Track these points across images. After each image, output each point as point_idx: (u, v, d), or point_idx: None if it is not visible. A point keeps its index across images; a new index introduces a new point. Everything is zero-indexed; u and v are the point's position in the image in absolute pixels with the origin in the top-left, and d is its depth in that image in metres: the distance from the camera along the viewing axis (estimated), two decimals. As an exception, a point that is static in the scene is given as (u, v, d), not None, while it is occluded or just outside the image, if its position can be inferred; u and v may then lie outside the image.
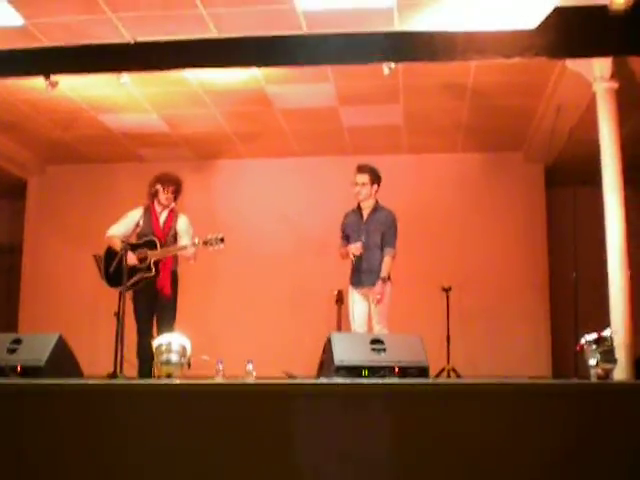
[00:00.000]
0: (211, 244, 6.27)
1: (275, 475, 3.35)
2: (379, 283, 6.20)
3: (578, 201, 8.89)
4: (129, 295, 6.26)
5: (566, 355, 8.40)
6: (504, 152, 9.42)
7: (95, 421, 3.49)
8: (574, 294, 7.29)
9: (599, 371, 4.35)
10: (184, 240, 6.45)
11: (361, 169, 6.42)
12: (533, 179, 9.49)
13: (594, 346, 4.40)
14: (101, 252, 6.45)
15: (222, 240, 6.29)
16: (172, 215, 6.57)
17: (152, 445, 3.39)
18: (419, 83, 7.47)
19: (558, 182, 9.48)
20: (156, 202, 6.54)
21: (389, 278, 6.29)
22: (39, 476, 3.46)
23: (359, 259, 6.37)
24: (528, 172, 9.48)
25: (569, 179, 8.83)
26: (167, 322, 6.27)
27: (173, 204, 6.56)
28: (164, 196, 6.49)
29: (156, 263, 6.32)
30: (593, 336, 4.45)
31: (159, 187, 6.51)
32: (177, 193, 6.57)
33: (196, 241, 6.29)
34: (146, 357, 6.11)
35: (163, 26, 6.22)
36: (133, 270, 6.25)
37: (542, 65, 6.80)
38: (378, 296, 6.18)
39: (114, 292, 6.25)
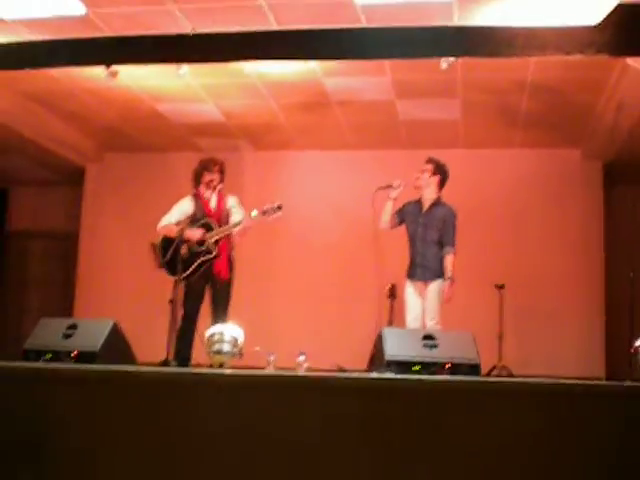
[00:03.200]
0: (269, 213, 6.23)
1: (331, 469, 3.36)
2: (447, 284, 6.20)
3: (637, 200, 8.77)
4: (184, 280, 6.31)
5: (620, 356, 8.28)
6: (562, 149, 9.27)
7: (147, 408, 3.54)
8: (630, 294, 7.17)
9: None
10: (237, 217, 6.45)
11: (428, 160, 6.45)
12: (591, 177, 9.32)
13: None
14: (157, 241, 6.52)
15: (280, 208, 6.23)
16: (221, 197, 6.58)
17: (200, 434, 3.42)
18: (477, 78, 7.40)
19: (617, 181, 9.32)
20: (203, 187, 6.56)
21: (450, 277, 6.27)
22: (91, 463, 3.51)
23: (414, 252, 6.38)
24: (586, 169, 9.32)
25: (628, 178, 8.69)
26: (222, 306, 6.32)
27: (220, 185, 6.57)
28: (209, 177, 6.50)
29: (215, 245, 6.34)
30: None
31: (204, 171, 6.53)
32: (222, 174, 6.57)
33: (253, 213, 6.27)
34: (187, 343, 6.18)
35: (223, 17, 6.24)
36: (192, 257, 6.29)
37: (603, 62, 6.67)
38: (445, 296, 6.20)
39: (168, 279, 6.32)
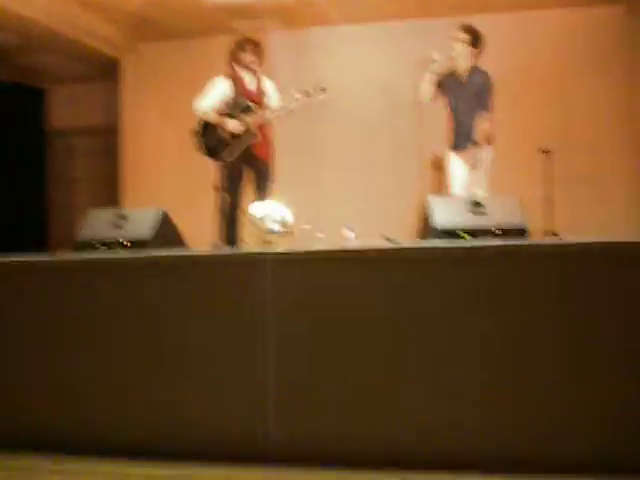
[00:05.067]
0: (313, 95, 6.15)
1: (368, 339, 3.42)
2: (471, 148, 6.14)
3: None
4: (223, 165, 6.30)
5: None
6: (605, 6, 8.92)
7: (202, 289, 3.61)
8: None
9: None
10: (275, 101, 6.37)
11: (462, 28, 6.30)
12: (637, 34, 8.99)
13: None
14: (197, 127, 6.48)
15: (324, 90, 6.13)
16: (258, 78, 6.49)
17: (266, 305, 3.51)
18: None
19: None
20: (239, 68, 6.45)
21: (489, 142, 6.20)
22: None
23: (456, 122, 6.31)
24: (631, 27, 8.98)
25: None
26: (266, 186, 6.33)
27: (256, 66, 6.46)
28: (247, 58, 6.40)
29: (258, 128, 6.29)
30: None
31: (239, 51, 6.42)
32: (259, 55, 6.45)
33: (297, 96, 6.19)
34: (234, 226, 6.23)
35: None
36: (235, 139, 6.27)
37: None
38: (471, 161, 6.13)
39: (212, 165, 6.32)
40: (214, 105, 6.38)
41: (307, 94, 6.11)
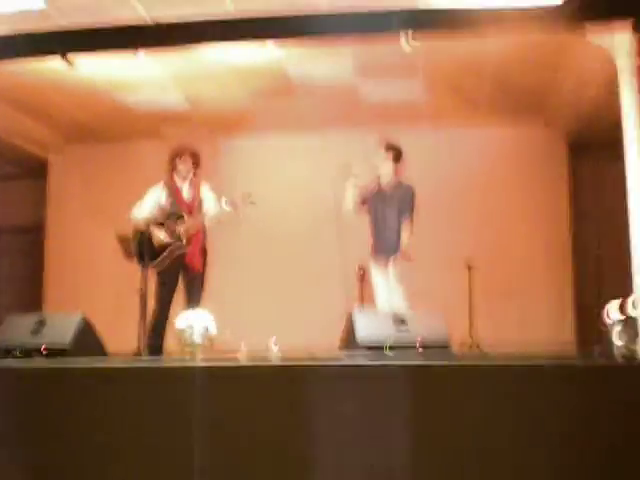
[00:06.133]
0: (241, 205, 6.20)
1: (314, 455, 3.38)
2: (395, 259, 6.25)
3: (601, 173, 8.81)
4: (154, 272, 6.28)
5: (591, 328, 8.36)
6: (526, 126, 9.28)
7: (118, 401, 3.52)
8: (597, 268, 7.25)
9: (625, 351, 4.32)
10: (210, 206, 6.41)
11: (386, 146, 6.48)
12: (555, 152, 9.37)
13: (620, 326, 4.37)
14: (125, 232, 6.46)
15: (252, 201, 6.20)
16: (195, 185, 6.53)
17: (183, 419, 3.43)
18: (438, 59, 7.37)
19: (581, 154, 9.37)
20: (176, 176, 6.51)
21: (409, 254, 6.31)
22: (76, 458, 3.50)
23: (376, 233, 6.42)
24: (550, 144, 9.36)
25: (592, 151, 8.74)
26: (196, 296, 6.29)
27: (192, 174, 6.52)
28: (184, 166, 6.46)
29: (186, 236, 6.31)
30: (618, 316, 4.42)
31: (176, 158, 6.49)
32: (196, 163, 6.52)
33: (224, 202, 6.21)
34: (160, 333, 6.17)
35: (180, 4, 6.18)
36: (162, 247, 6.27)
37: (562, 40, 6.70)
38: (394, 272, 6.23)
39: (139, 270, 6.28)
40: (150, 213, 6.38)
41: (235, 205, 6.18)
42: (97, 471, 3.48)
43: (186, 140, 7.24)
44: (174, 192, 6.50)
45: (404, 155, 6.53)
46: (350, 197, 6.52)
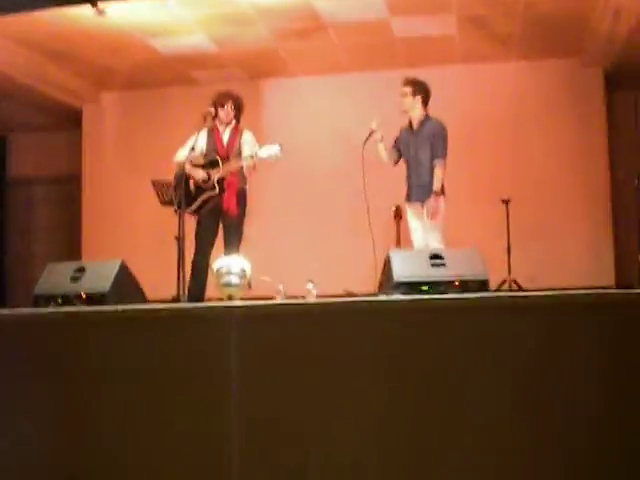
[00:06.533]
0: (267, 158, 6.15)
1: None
2: (432, 197, 6.18)
3: (639, 104, 8.64)
4: (193, 218, 6.31)
5: (630, 265, 8.27)
6: (561, 59, 9.08)
7: (162, 346, 3.54)
8: (636, 201, 7.13)
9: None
10: (249, 151, 6.38)
11: (404, 81, 6.39)
12: (592, 84, 9.16)
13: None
14: (160, 177, 6.48)
15: (279, 149, 6.15)
16: (236, 132, 6.52)
17: (217, 369, 3.43)
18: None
19: (618, 87, 9.18)
20: (218, 122, 6.51)
21: (442, 192, 6.25)
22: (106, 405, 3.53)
23: (410, 173, 6.37)
24: (586, 78, 9.16)
25: (629, 83, 8.56)
26: (233, 241, 6.31)
27: (235, 120, 6.52)
28: (223, 112, 6.46)
29: (220, 182, 6.31)
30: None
31: (217, 105, 6.47)
32: (237, 109, 6.52)
33: (253, 153, 6.22)
34: (201, 279, 6.20)
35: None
36: (198, 192, 6.29)
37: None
38: (431, 210, 6.18)
39: (176, 217, 6.30)
40: (190, 156, 6.36)
41: (260, 157, 6.13)
42: (138, 410, 3.51)
43: (215, 83, 7.22)
44: (215, 138, 6.50)
45: (435, 93, 6.43)
46: (382, 152, 6.45)
